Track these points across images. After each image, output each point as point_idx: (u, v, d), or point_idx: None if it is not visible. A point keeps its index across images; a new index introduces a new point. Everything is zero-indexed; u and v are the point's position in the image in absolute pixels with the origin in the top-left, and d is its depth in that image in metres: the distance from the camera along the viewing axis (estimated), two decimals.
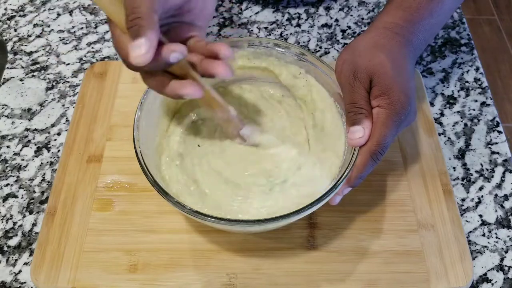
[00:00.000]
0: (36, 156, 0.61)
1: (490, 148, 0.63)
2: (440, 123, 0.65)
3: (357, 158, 0.47)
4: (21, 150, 0.62)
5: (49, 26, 0.75)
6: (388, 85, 0.47)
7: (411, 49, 0.51)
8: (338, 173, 0.50)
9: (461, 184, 0.59)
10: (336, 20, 0.76)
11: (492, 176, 0.60)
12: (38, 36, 0.74)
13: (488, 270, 0.53)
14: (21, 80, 0.69)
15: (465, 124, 0.65)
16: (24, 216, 0.56)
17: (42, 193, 0.58)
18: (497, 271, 0.53)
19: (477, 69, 0.71)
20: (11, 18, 0.76)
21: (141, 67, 0.40)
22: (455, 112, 0.66)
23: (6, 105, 0.66)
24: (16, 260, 0.53)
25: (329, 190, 0.46)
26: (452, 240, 0.53)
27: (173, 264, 0.52)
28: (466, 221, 0.57)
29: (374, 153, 0.47)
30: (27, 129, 0.64)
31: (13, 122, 0.64)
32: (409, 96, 0.48)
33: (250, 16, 0.76)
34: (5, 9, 0.78)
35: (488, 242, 0.55)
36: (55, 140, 0.63)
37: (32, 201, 0.58)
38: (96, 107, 0.64)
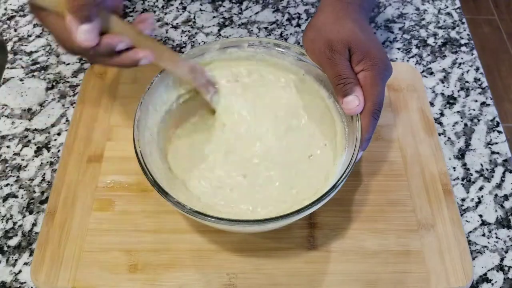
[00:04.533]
0: (36, 156, 0.61)
1: (490, 148, 0.62)
2: (440, 123, 0.65)
3: (361, 123, 0.49)
4: (21, 150, 0.62)
5: None
6: (366, 48, 0.51)
7: (364, 14, 0.56)
8: (338, 173, 0.50)
9: (461, 184, 0.59)
10: None
11: (492, 176, 0.60)
12: (38, 36, 0.74)
13: (488, 270, 0.53)
14: (21, 80, 0.69)
15: (465, 124, 0.65)
16: (24, 216, 0.56)
17: (42, 193, 0.58)
18: (497, 271, 0.53)
19: (477, 69, 0.71)
20: (11, 18, 0.76)
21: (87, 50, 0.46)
22: (455, 112, 0.66)
23: (6, 105, 0.66)
24: (16, 260, 0.53)
25: (329, 190, 0.46)
26: (452, 240, 0.53)
27: (173, 264, 0.52)
28: (466, 221, 0.57)
29: (374, 112, 0.50)
30: (27, 129, 0.64)
31: (13, 122, 0.64)
32: (384, 51, 0.52)
33: (250, 16, 0.76)
34: (5, 9, 0.78)
35: (488, 242, 0.55)
36: (55, 140, 0.63)
37: (32, 201, 0.58)
38: (96, 107, 0.64)
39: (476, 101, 0.67)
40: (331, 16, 0.54)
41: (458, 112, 0.66)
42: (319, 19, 0.54)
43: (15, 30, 0.75)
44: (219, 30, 0.75)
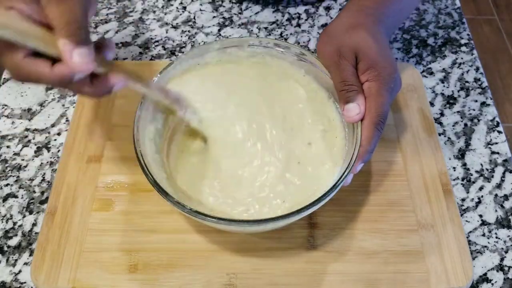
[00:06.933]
0: (36, 156, 0.61)
1: (490, 148, 0.62)
2: (440, 123, 0.65)
3: (361, 133, 0.48)
4: (21, 150, 0.62)
5: None
6: (374, 58, 0.50)
7: (384, 28, 0.55)
8: (338, 173, 0.50)
9: (461, 184, 0.59)
10: None
11: (492, 176, 0.60)
12: None
13: (488, 270, 0.53)
14: None
15: (465, 124, 0.65)
16: (24, 216, 0.56)
17: (42, 193, 0.58)
18: (497, 271, 0.53)
19: (477, 69, 0.71)
20: None
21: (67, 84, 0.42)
22: (455, 112, 0.66)
23: (6, 105, 0.66)
24: (16, 260, 0.53)
25: (329, 190, 0.46)
26: (452, 240, 0.53)
27: (173, 264, 0.52)
28: (466, 221, 0.57)
29: (378, 123, 0.49)
30: (27, 129, 0.64)
31: (13, 122, 0.64)
32: (394, 65, 0.51)
33: (250, 16, 0.76)
34: None
35: (488, 242, 0.55)
36: (55, 140, 0.63)
37: (32, 201, 0.58)
38: (96, 107, 0.64)
39: (476, 101, 0.67)
40: (348, 22, 0.54)
41: (458, 112, 0.66)
42: (335, 24, 0.54)
43: None
44: (219, 30, 0.75)
